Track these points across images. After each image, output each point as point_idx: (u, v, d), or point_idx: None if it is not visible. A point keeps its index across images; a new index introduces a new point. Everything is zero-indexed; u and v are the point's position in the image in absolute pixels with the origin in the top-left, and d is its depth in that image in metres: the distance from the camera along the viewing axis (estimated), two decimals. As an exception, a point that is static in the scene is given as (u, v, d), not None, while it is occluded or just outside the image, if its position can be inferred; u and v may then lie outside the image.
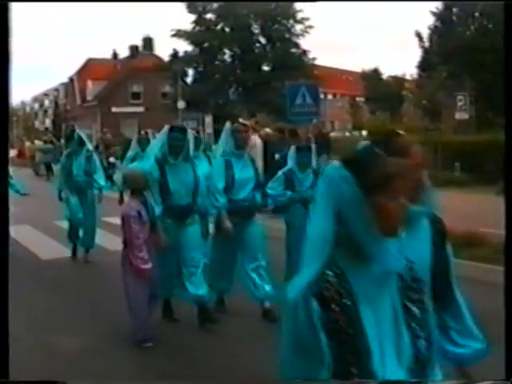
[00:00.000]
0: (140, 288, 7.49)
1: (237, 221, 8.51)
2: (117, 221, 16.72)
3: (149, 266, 7.40)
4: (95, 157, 13.18)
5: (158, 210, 7.94)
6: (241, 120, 9.56)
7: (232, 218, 8.47)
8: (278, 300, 7.92)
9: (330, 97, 76.40)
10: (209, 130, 36.44)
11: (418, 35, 45.32)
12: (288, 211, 9.69)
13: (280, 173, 9.72)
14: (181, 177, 8.24)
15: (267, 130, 19.97)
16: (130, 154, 12.93)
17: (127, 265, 7.49)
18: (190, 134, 8.67)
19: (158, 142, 8.55)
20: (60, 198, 12.87)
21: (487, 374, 3.08)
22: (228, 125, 8.83)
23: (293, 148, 9.87)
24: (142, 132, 13.54)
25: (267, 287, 8.53)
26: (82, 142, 12.84)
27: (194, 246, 8.34)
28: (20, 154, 44.96)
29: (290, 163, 9.67)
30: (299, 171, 9.57)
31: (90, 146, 13.47)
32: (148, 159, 8.51)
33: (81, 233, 13.00)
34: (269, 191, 9.49)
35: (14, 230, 13.14)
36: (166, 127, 8.36)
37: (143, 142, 12.34)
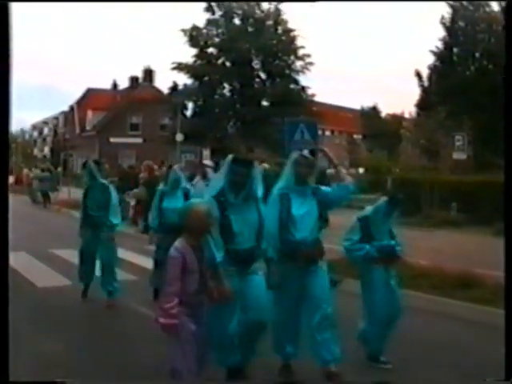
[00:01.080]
0: (183, 350, 6.17)
1: (298, 267, 7.22)
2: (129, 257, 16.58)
3: (172, 321, 6.01)
4: (111, 191, 11.87)
5: (219, 255, 6.67)
6: (305, 153, 7.93)
7: (292, 264, 7.21)
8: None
9: (327, 133, 76.61)
10: (207, 163, 36.48)
11: (418, 74, 45.68)
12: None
13: (355, 219, 8.38)
14: (244, 216, 6.93)
15: (265, 164, 20.02)
16: (162, 188, 12.00)
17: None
18: (257, 168, 7.33)
19: (219, 175, 7.26)
20: (80, 235, 11.98)
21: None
22: (293, 156, 7.50)
23: (382, 199, 8.39)
24: (175, 166, 12.88)
25: (334, 347, 7.19)
26: (94, 175, 11.88)
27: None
28: (18, 181, 44.97)
29: (370, 209, 8.36)
30: (380, 219, 8.19)
31: (103, 180, 12.11)
32: (206, 194, 7.33)
33: (97, 273, 11.91)
34: (344, 243, 8.30)
35: (10, 257, 13.10)
36: (229, 158, 7.13)
37: (176, 177, 11.77)
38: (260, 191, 7.13)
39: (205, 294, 6.35)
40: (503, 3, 36.14)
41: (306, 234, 7.27)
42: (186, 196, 11.32)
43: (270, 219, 7.16)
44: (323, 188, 7.57)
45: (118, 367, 7.89)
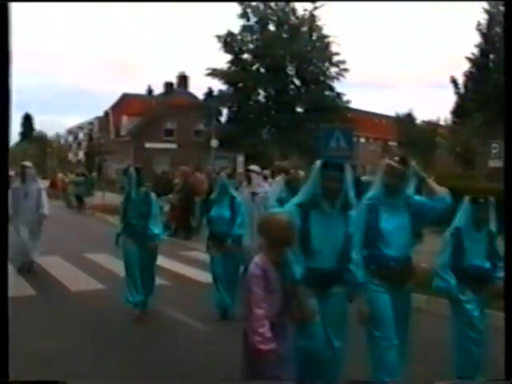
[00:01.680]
0: (268, 374, 5.46)
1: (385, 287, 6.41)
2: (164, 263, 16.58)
3: (270, 346, 5.30)
4: (153, 199, 11.22)
5: (298, 271, 5.81)
6: (396, 159, 6.85)
7: (380, 283, 6.42)
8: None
9: (362, 140, 76.32)
10: (240, 169, 36.51)
11: (454, 81, 45.32)
12: None
13: (447, 235, 7.39)
14: (328, 231, 6.08)
15: (300, 171, 19.91)
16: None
17: (245, 340, 5.58)
18: (349, 173, 6.25)
19: (308, 182, 6.31)
20: (116, 243, 11.16)
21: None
22: (383, 164, 6.76)
23: (466, 199, 7.53)
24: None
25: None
26: (139, 181, 11.16)
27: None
28: (52, 185, 45.20)
29: (461, 218, 7.43)
30: (474, 230, 7.34)
31: (144, 187, 11.38)
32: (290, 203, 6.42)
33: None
34: (440, 272, 7.30)
35: (44, 261, 13.13)
36: (318, 163, 6.28)
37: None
38: (354, 199, 6.20)
39: (287, 314, 5.62)
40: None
41: (396, 250, 6.46)
42: (233, 204, 10.92)
43: (357, 230, 6.31)
44: (418, 199, 6.69)
45: (150, 372, 7.86)
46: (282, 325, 5.57)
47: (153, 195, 11.32)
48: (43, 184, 15.92)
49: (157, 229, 10.97)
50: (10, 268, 14.75)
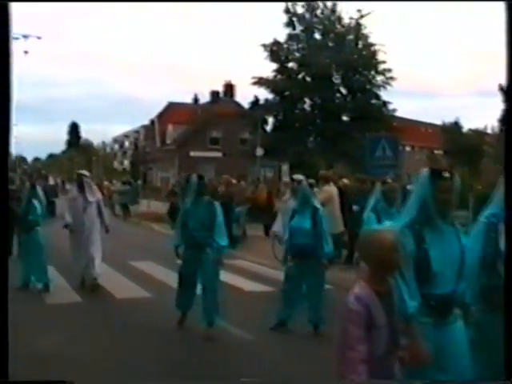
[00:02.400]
0: None
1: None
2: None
3: None
4: (217, 209, 10.48)
5: (412, 303, 5.01)
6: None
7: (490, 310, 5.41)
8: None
9: (408, 149, 75.79)
10: (286, 178, 36.45)
11: (501, 89, 44.80)
12: None
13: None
14: (444, 249, 5.29)
15: (345, 180, 19.81)
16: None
17: None
18: (458, 182, 5.39)
19: (415, 194, 5.47)
20: (177, 255, 10.57)
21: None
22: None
23: None
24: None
25: None
26: (201, 189, 10.47)
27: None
28: (98, 193, 45.54)
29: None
30: None
31: (208, 196, 10.81)
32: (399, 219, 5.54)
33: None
34: None
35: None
36: (426, 171, 5.49)
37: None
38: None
39: (395, 355, 4.61)
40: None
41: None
42: (315, 216, 10.27)
43: (472, 253, 5.46)
44: None
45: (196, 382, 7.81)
46: (389, 367, 4.59)
47: (217, 204, 10.62)
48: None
49: (223, 240, 10.28)
50: (59, 275, 14.85)
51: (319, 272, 10.32)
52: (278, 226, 14.59)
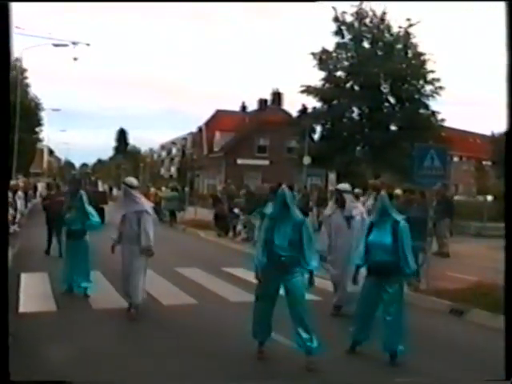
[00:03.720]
0: None
1: None
2: (237, 272, 16.63)
3: None
4: (307, 225, 9.22)
5: None
6: None
7: None
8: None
9: (455, 159, 75.17)
10: (332, 187, 36.39)
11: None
12: None
13: None
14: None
15: (398, 191, 19.73)
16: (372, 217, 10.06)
17: None
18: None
19: None
20: (257, 276, 9.27)
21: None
22: None
23: None
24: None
25: None
26: (287, 204, 9.07)
27: None
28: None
29: None
30: None
31: (297, 212, 9.22)
32: None
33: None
34: None
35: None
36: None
37: (384, 204, 9.64)
38: None
39: None
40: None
41: None
42: (396, 230, 9.33)
43: None
44: None
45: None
46: None
47: (307, 221, 9.47)
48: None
49: (313, 260, 9.12)
50: (107, 280, 14.97)
51: (399, 292, 9.35)
52: (322, 245, 12.17)
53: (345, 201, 12.46)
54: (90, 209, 14.03)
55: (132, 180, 12.55)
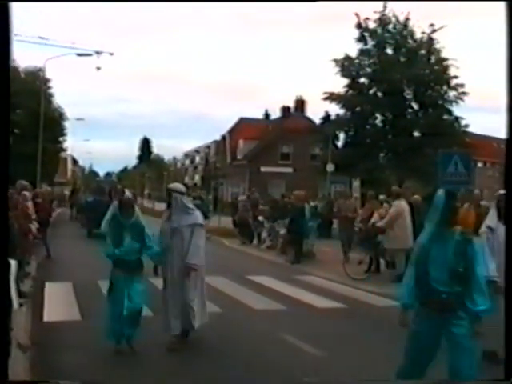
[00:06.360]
0: None
1: None
2: (262, 280, 16.59)
3: None
4: (476, 247, 6.68)
5: None
6: None
7: None
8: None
9: (479, 165, 74.66)
10: (356, 194, 36.28)
11: None
12: None
13: None
14: None
15: (416, 196, 19.66)
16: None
17: None
18: None
19: None
20: (403, 319, 6.89)
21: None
22: None
23: None
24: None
25: None
26: (447, 215, 6.67)
27: None
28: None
29: None
30: None
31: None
32: None
33: None
34: None
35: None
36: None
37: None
38: None
39: None
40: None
41: None
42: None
43: None
44: None
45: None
46: None
47: (474, 240, 6.89)
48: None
49: (483, 301, 6.46)
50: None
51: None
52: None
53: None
54: (148, 232, 10.27)
55: (179, 186, 11.05)
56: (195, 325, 10.29)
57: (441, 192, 6.73)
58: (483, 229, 9.44)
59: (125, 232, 9.92)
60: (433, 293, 6.45)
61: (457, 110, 47.08)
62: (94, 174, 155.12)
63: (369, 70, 47.73)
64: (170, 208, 10.57)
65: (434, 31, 45.89)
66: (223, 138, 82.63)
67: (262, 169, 67.58)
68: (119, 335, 9.75)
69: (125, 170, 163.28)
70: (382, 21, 46.45)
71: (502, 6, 4.72)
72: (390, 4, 45.85)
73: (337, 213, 25.97)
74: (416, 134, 47.60)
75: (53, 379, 8.09)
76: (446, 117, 46.95)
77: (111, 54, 43.50)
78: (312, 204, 27.46)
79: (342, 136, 49.57)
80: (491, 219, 9.43)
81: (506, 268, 4.58)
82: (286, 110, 75.71)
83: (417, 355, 6.72)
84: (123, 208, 10.08)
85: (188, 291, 10.19)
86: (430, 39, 46.38)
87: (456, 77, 46.24)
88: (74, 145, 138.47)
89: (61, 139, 63.69)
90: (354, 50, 48.24)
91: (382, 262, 19.07)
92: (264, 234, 28.11)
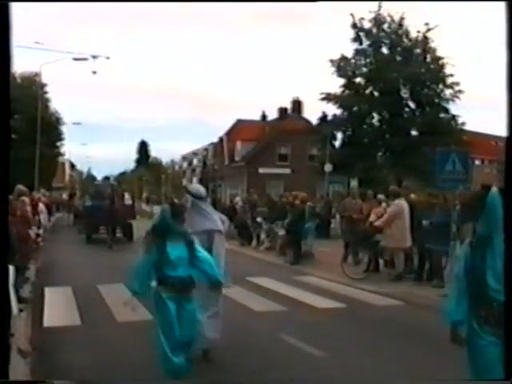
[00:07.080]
0: None
1: None
2: (261, 281, 16.61)
3: None
4: None
5: None
6: None
7: None
8: None
9: (477, 163, 74.70)
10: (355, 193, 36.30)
11: None
12: None
13: None
14: None
15: (412, 195, 19.69)
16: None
17: None
18: None
19: None
20: (455, 338, 5.78)
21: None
22: None
23: None
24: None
25: None
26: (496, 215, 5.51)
27: None
28: (167, 211, 45.82)
29: None
30: None
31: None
32: None
33: None
34: None
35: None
36: None
37: None
38: None
39: None
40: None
41: None
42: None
43: None
44: None
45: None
46: None
47: None
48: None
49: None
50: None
51: None
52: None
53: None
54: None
55: (199, 188, 9.81)
56: (214, 337, 9.58)
57: (495, 191, 5.63)
58: None
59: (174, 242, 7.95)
60: (491, 304, 5.42)
61: (453, 108, 47.13)
62: (92, 178, 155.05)
63: (365, 69, 47.74)
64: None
65: (429, 30, 45.90)
66: (221, 140, 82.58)
67: (260, 170, 67.57)
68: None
69: (123, 173, 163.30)
70: (377, 20, 46.48)
71: (499, 4, 4.72)
72: (384, 4, 45.90)
73: (342, 213, 25.99)
74: (413, 132, 47.61)
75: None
76: (442, 115, 46.95)
77: (107, 58, 43.58)
78: (310, 204, 27.46)
79: (339, 136, 49.52)
80: None
81: (505, 268, 4.57)
82: (283, 111, 75.61)
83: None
84: (176, 214, 8.01)
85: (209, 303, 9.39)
86: (425, 38, 46.39)
87: (452, 75, 46.27)
88: (72, 149, 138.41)
89: (58, 144, 63.85)
90: (349, 50, 48.29)
91: (380, 261, 19.08)
92: (263, 236, 28.13)
